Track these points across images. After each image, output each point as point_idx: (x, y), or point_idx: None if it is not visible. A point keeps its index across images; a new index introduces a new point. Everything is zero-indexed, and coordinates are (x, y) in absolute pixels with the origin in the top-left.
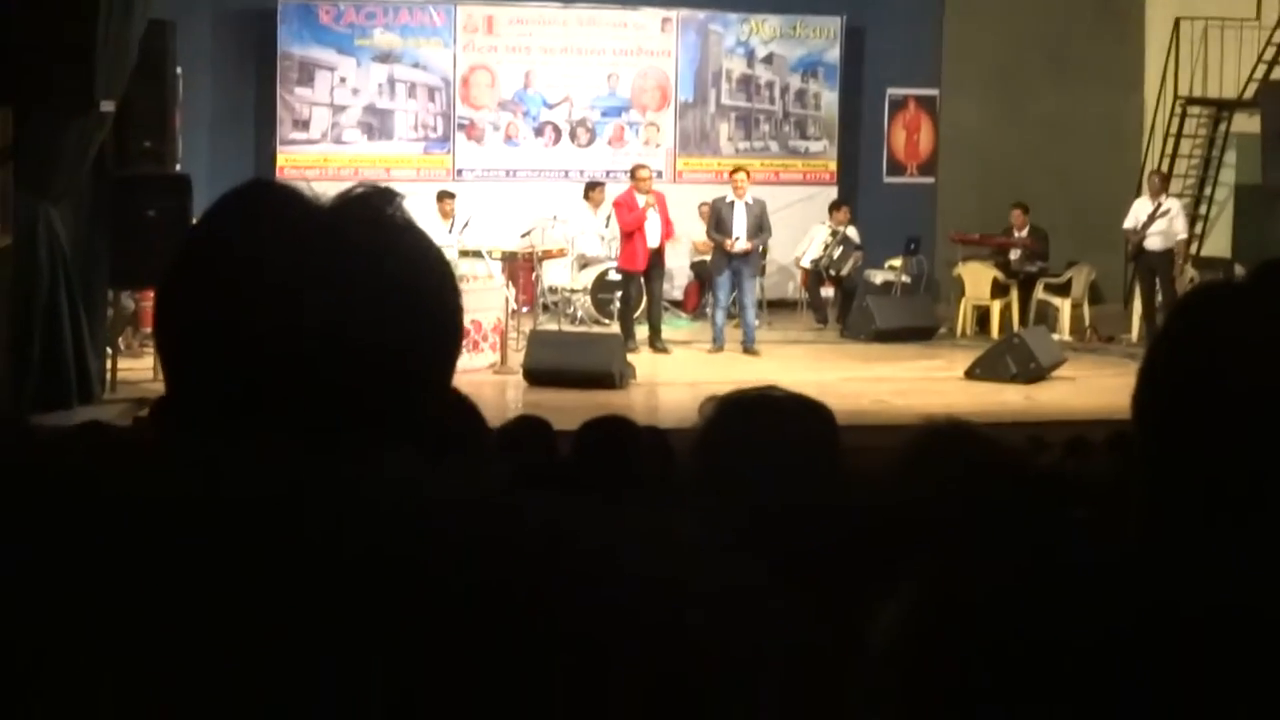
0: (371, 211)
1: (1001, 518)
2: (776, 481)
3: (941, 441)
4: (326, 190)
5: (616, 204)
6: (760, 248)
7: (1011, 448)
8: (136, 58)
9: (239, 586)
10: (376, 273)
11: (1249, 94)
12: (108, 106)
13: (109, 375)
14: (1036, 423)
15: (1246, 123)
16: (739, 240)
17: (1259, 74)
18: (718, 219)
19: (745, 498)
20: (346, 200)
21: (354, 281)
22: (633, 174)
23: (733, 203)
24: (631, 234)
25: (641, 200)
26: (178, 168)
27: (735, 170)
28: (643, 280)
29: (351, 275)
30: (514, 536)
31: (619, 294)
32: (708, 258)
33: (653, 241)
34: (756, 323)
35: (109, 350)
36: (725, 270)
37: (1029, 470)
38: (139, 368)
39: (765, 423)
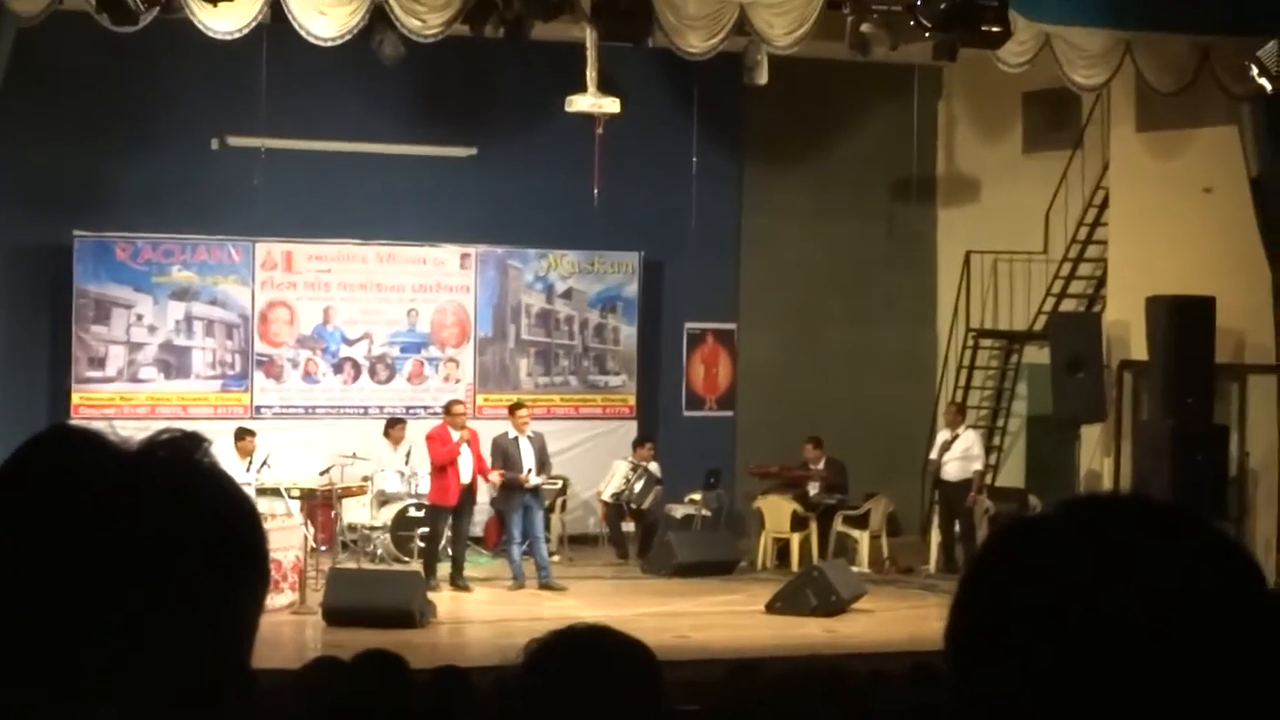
0: (179, 456)
1: None
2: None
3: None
4: (129, 433)
5: (429, 438)
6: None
7: (856, 681)
8: None
9: None
10: (184, 519)
11: (1038, 326)
12: None
13: None
14: (837, 655)
15: (1036, 354)
16: (531, 473)
17: (1047, 306)
18: (505, 456)
19: None
20: (153, 445)
21: (160, 527)
22: (448, 409)
23: (516, 438)
24: (444, 469)
25: (455, 435)
26: None
27: (517, 406)
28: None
29: (158, 521)
30: None
31: (420, 531)
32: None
33: (465, 477)
34: (555, 557)
35: None
36: (519, 506)
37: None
38: None
39: (591, 662)
